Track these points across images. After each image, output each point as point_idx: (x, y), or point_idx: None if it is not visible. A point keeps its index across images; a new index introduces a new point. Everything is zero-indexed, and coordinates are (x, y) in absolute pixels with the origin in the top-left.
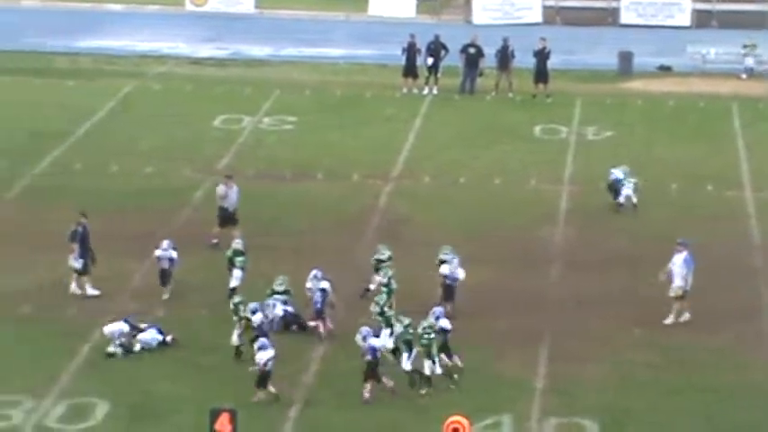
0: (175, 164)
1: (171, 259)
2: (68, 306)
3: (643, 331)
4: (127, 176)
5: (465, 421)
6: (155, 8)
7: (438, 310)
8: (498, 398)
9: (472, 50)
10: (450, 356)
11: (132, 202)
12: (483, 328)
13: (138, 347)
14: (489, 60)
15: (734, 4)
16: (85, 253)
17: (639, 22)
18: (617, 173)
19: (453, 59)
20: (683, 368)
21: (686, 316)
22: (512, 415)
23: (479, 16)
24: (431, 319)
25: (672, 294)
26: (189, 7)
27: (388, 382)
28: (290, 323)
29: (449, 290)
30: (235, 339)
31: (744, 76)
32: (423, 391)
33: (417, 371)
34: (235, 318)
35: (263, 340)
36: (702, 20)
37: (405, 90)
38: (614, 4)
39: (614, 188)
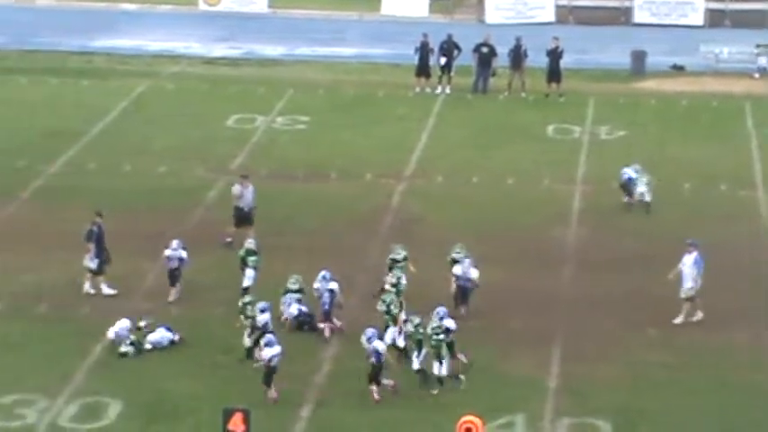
0: (189, 163)
1: (181, 259)
2: (82, 305)
3: (656, 331)
4: (140, 176)
5: (478, 421)
6: (168, 8)
7: (442, 310)
8: (511, 397)
9: (485, 50)
10: (453, 355)
11: (145, 202)
12: (496, 327)
13: (149, 347)
14: (502, 60)
15: (747, 4)
16: (101, 253)
17: (652, 21)
18: (629, 172)
19: (466, 59)
20: (696, 368)
21: (699, 315)
22: (525, 415)
23: (492, 15)
24: (435, 320)
25: (682, 296)
26: (202, 7)
27: (388, 382)
28: (303, 323)
29: (462, 291)
30: (246, 341)
31: (757, 75)
32: (434, 392)
33: (424, 371)
34: (242, 317)
35: (269, 336)
36: (715, 19)
37: (417, 89)
38: (627, 4)
39: (627, 188)
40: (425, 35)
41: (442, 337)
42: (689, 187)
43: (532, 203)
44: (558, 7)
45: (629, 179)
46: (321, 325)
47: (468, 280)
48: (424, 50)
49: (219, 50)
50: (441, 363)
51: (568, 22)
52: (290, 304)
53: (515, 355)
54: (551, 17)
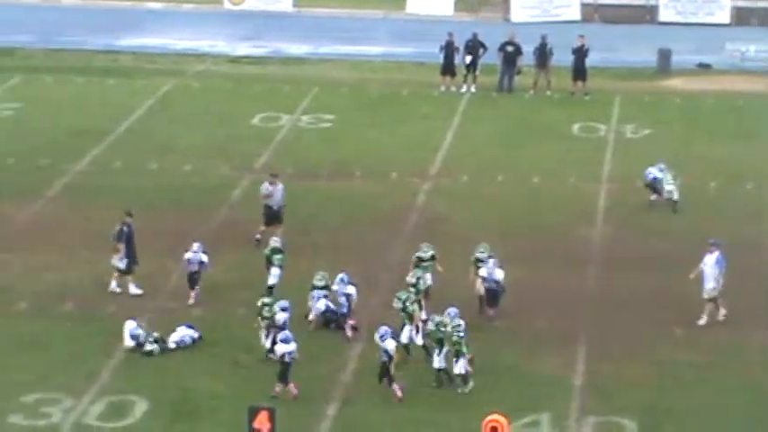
0: (214, 162)
1: (201, 262)
2: (107, 304)
3: (682, 330)
4: (165, 174)
5: (503, 419)
6: (193, 6)
7: (453, 310)
8: (537, 396)
9: (510, 48)
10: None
11: (170, 200)
12: (521, 326)
13: (173, 345)
14: (527, 58)
15: None
16: (130, 253)
17: (678, 19)
18: (654, 171)
19: (491, 57)
20: (722, 367)
21: (722, 312)
22: (550, 413)
23: (517, 14)
24: (445, 320)
25: (705, 296)
26: (227, 6)
27: (397, 389)
28: (330, 320)
29: (490, 293)
30: (265, 342)
31: None
32: (460, 390)
33: (446, 370)
34: (259, 318)
35: (286, 333)
36: (742, 17)
37: (443, 88)
38: (653, 2)
39: (653, 187)
40: (450, 34)
41: (462, 334)
42: (714, 186)
43: (558, 202)
44: (584, 5)
45: (655, 179)
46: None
47: (495, 281)
48: (449, 49)
49: (244, 49)
50: (459, 360)
51: (594, 21)
52: (318, 299)
53: (541, 353)
54: (577, 15)
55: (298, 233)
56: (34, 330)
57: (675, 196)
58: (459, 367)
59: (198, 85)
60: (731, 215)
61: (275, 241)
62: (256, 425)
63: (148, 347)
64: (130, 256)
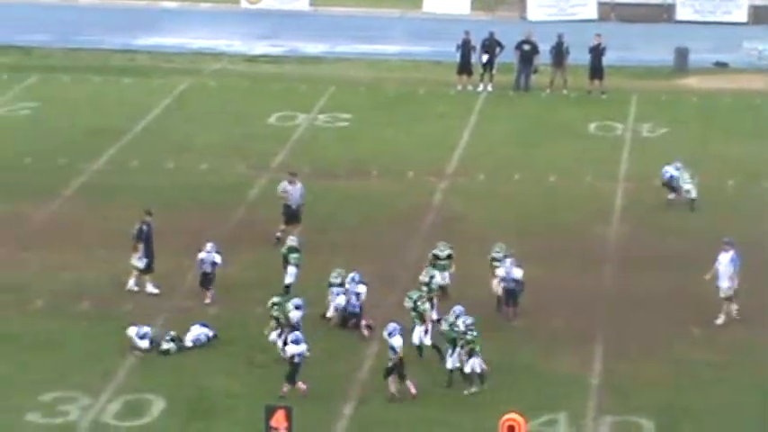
0: (230, 161)
1: (214, 263)
2: (124, 303)
3: (699, 329)
4: (182, 173)
5: (520, 419)
6: (210, 6)
7: (458, 308)
8: (554, 395)
9: (527, 47)
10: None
11: (187, 199)
12: (538, 325)
13: (189, 344)
14: (544, 57)
15: None
16: (149, 252)
17: (695, 18)
18: (670, 170)
19: (508, 56)
20: (739, 366)
21: (734, 308)
22: (567, 412)
23: (534, 13)
24: (451, 318)
25: (722, 296)
26: (244, 5)
27: (391, 384)
28: (348, 319)
29: (509, 293)
30: (275, 340)
31: None
32: (469, 390)
33: (460, 370)
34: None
35: (296, 334)
36: (760, 16)
37: (459, 87)
38: (670, 1)
39: (671, 185)
40: (467, 32)
41: (476, 333)
42: (732, 185)
43: (574, 201)
44: (601, 4)
45: (671, 177)
46: (365, 328)
47: (513, 280)
48: (465, 48)
49: (261, 48)
50: (471, 359)
51: (610, 20)
52: (338, 294)
53: (558, 353)
54: (593, 14)
55: (315, 232)
56: (51, 329)
57: (693, 194)
58: (471, 366)
59: (214, 84)
60: (748, 214)
61: (292, 240)
62: (273, 423)
63: (165, 346)
64: (150, 255)
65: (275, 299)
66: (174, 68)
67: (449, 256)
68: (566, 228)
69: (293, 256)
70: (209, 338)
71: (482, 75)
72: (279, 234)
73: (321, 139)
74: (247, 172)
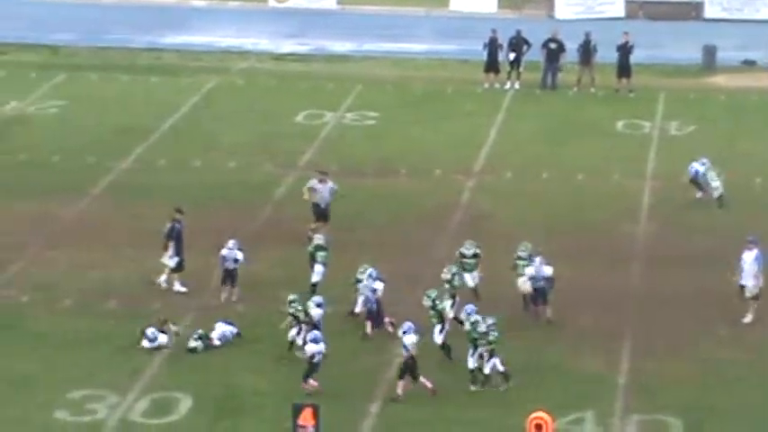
0: (258, 159)
1: (236, 259)
2: (152, 301)
3: (726, 328)
4: (210, 172)
5: (548, 417)
6: (237, 4)
7: (469, 307)
8: (581, 394)
9: (553, 45)
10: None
11: (215, 198)
12: (565, 324)
13: (217, 343)
14: (571, 55)
15: None
16: (181, 251)
17: (724, 16)
18: (696, 165)
19: (535, 54)
20: (766, 365)
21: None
22: (594, 411)
23: (562, 11)
24: (462, 316)
25: (748, 295)
26: (271, 3)
27: (426, 382)
28: (367, 318)
29: (539, 292)
30: (294, 336)
31: None
32: (502, 388)
33: (481, 369)
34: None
35: (316, 333)
36: None
37: (486, 85)
38: None
39: (697, 182)
40: (494, 31)
41: (497, 333)
42: (759, 183)
43: (602, 199)
44: (628, 2)
45: (697, 173)
46: (390, 326)
47: (544, 278)
48: (492, 46)
49: (288, 46)
50: (491, 359)
51: (638, 18)
52: (367, 288)
53: (585, 351)
54: (621, 12)
55: (342, 230)
56: (79, 327)
57: (721, 191)
58: (491, 366)
59: (242, 82)
60: None
61: (319, 238)
62: (301, 421)
63: (192, 344)
64: (180, 254)
65: (292, 296)
66: (202, 67)
67: (475, 255)
68: (593, 226)
69: (320, 254)
70: (233, 335)
71: (509, 73)
72: (311, 233)
73: (348, 138)
74: (275, 170)
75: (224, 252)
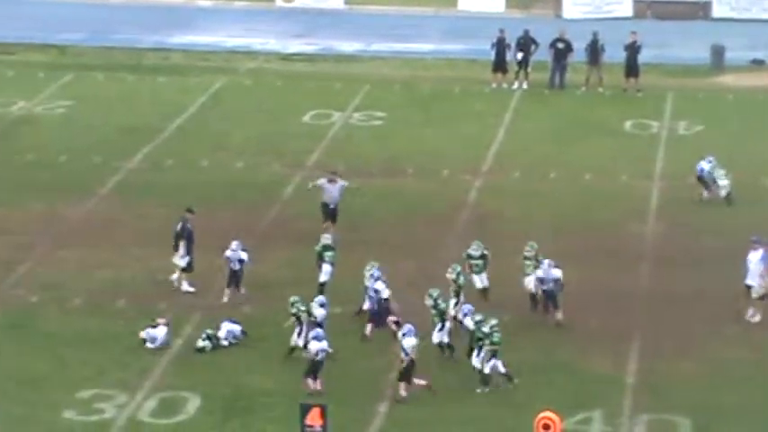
0: (265, 159)
1: (241, 260)
2: (160, 301)
3: (734, 328)
4: (217, 172)
5: (556, 417)
6: (244, 4)
7: (467, 307)
8: (589, 394)
9: (560, 45)
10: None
11: (222, 198)
12: (573, 323)
13: (225, 343)
14: (579, 55)
15: None
16: (191, 251)
17: (732, 15)
18: (703, 164)
19: (543, 54)
20: None
21: (751, 313)
22: (603, 411)
23: (570, 10)
24: (459, 316)
25: (754, 295)
26: (279, 3)
27: (419, 381)
28: (371, 320)
29: (548, 295)
30: (296, 341)
31: None
32: (502, 387)
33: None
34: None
35: (318, 331)
36: None
37: (494, 85)
38: None
39: (704, 181)
40: (502, 30)
41: (501, 334)
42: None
43: (610, 199)
44: (636, 2)
45: (702, 170)
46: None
47: (553, 281)
48: (500, 46)
49: (296, 46)
50: (492, 360)
51: (646, 17)
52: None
53: (593, 351)
54: (629, 12)
55: (350, 230)
56: (88, 327)
57: (728, 189)
58: (491, 367)
59: (249, 82)
60: None
61: (326, 238)
62: (309, 421)
63: (200, 344)
64: (191, 253)
65: (294, 297)
66: (209, 67)
67: (482, 256)
68: (601, 226)
69: (328, 254)
70: (243, 333)
71: (517, 73)
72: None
73: (356, 138)
74: (282, 170)
75: (228, 253)
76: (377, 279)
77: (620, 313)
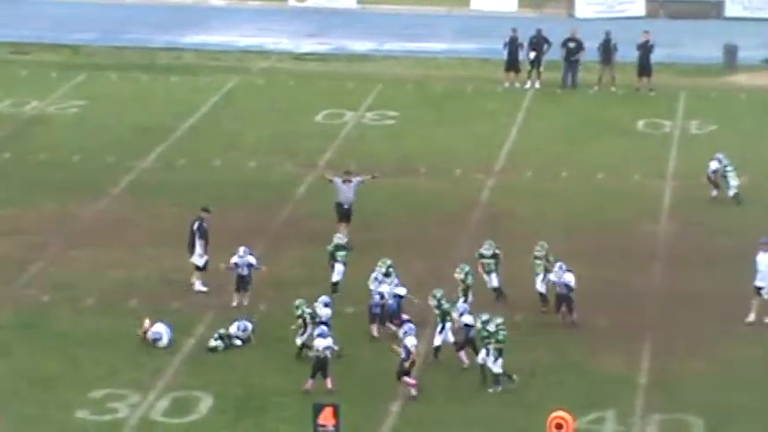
0: (278, 159)
1: (250, 265)
2: (173, 301)
3: (747, 327)
4: (230, 171)
5: (568, 416)
6: (257, 3)
7: (462, 306)
8: (601, 393)
9: (572, 44)
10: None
11: (235, 197)
12: (585, 323)
13: (238, 342)
14: (591, 54)
15: None
16: (206, 250)
17: (745, 14)
18: (712, 163)
19: (555, 53)
20: None
21: (752, 317)
22: (615, 410)
23: (582, 10)
24: (454, 315)
25: (766, 297)
26: (291, 2)
27: (408, 380)
28: (375, 318)
29: (562, 299)
30: (299, 340)
31: None
32: (492, 390)
33: (485, 367)
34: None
35: (323, 328)
36: None
37: (507, 84)
38: None
39: (713, 180)
40: (514, 30)
41: (505, 332)
42: None
43: (622, 199)
44: (649, 1)
45: (712, 169)
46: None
47: (565, 285)
48: (513, 45)
49: (308, 46)
50: (498, 359)
51: (659, 17)
52: (381, 284)
53: (605, 351)
54: (641, 11)
55: (362, 230)
56: (101, 326)
57: (737, 189)
58: (499, 366)
59: (262, 82)
60: None
61: (339, 238)
62: (321, 421)
63: (213, 344)
64: (206, 253)
65: (299, 300)
66: (221, 66)
67: (494, 256)
68: (614, 225)
69: (340, 253)
70: (251, 330)
71: (529, 72)
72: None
73: (369, 137)
74: (295, 170)
75: (235, 260)
76: (381, 282)
77: (632, 313)
